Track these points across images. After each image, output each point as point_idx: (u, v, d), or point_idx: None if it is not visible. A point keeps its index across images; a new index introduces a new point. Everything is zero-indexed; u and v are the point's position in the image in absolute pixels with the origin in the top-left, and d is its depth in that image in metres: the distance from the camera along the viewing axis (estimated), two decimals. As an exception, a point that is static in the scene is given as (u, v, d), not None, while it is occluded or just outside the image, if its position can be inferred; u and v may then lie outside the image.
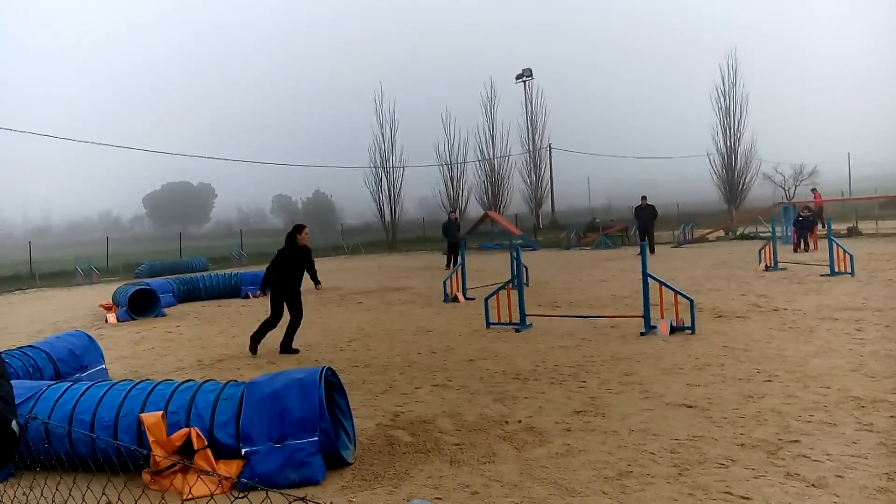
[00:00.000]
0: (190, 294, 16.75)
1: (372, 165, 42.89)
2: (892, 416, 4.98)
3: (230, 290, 17.14)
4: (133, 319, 13.36)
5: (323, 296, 15.95)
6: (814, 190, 28.25)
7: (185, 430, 4.38)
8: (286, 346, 8.93)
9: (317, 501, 1.86)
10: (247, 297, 16.66)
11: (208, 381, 4.99)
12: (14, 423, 1.74)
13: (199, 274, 19.71)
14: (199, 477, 4.04)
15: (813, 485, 3.91)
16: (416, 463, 4.67)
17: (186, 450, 4.37)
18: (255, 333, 8.95)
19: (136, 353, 9.67)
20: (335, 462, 4.59)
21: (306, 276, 9.03)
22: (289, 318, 8.94)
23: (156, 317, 13.68)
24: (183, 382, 4.91)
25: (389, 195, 43.06)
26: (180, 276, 19.12)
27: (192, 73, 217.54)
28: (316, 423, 4.47)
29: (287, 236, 8.85)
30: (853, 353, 7.06)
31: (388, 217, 42.97)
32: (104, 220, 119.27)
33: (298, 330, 9.03)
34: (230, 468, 4.34)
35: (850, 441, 4.56)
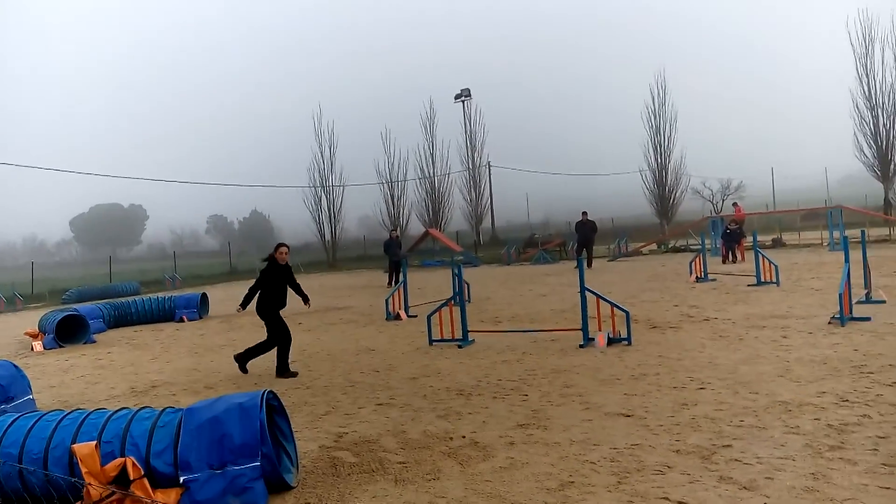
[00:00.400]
0: (121, 319, 16.20)
1: (311, 185, 42.54)
2: (816, 419, 5.23)
3: (164, 314, 16.65)
4: (61, 347, 12.83)
5: (262, 317, 15.69)
6: (735, 204, 29.64)
7: (119, 460, 4.24)
8: (244, 361, 8.78)
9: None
10: (181, 320, 16.22)
11: (144, 408, 4.84)
12: None
13: (130, 298, 19.06)
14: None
15: (745, 487, 4.07)
16: (361, 483, 4.64)
17: (122, 480, 4.22)
18: (279, 364, 8.63)
19: (66, 382, 9.28)
20: (278, 486, 4.52)
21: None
22: (266, 337, 8.77)
23: (85, 343, 13.17)
24: (117, 411, 4.76)
25: (329, 214, 42.76)
26: (111, 301, 18.47)
27: (118, 89, 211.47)
28: (257, 448, 4.40)
29: (268, 257, 8.77)
30: (780, 360, 7.38)
31: (328, 236, 42.61)
32: (28, 245, 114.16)
33: (265, 353, 8.83)
34: (168, 497, 4.22)
35: (779, 444, 4.77)
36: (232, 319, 15.85)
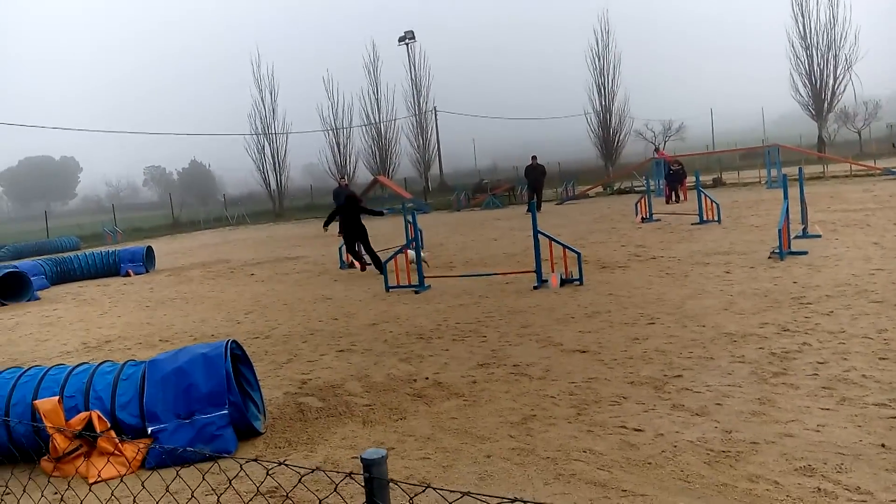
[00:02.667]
0: (64, 275, 15.75)
1: (253, 132, 41.50)
2: (760, 348, 5.53)
3: (108, 268, 16.24)
4: (3, 305, 12.43)
5: (211, 269, 15.48)
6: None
7: (84, 414, 4.21)
8: (377, 265, 11.53)
9: (265, 460, 1.89)
10: (127, 274, 15.84)
11: (105, 362, 4.80)
12: None
13: (72, 253, 18.48)
14: (109, 458, 3.92)
15: (696, 413, 4.31)
16: (329, 426, 4.73)
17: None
18: (373, 258, 11.90)
19: (13, 340, 9.04)
20: (247, 433, 4.58)
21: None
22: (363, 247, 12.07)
23: (28, 301, 12.79)
24: (77, 366, 4.70)
25: (273, 162, 41.92)
26: (51, 256, 17.90)
27: (48, 36, 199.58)
28: (224, 396, 4.42)
29: (351, 201, 12.20)
30: (724, 294, 7.71)
31: (273, 185, 41.86)
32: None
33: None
34: (136, 448, 4.22)
35: (726, 372, 5.04)
36: (181, 272, 15.57)
